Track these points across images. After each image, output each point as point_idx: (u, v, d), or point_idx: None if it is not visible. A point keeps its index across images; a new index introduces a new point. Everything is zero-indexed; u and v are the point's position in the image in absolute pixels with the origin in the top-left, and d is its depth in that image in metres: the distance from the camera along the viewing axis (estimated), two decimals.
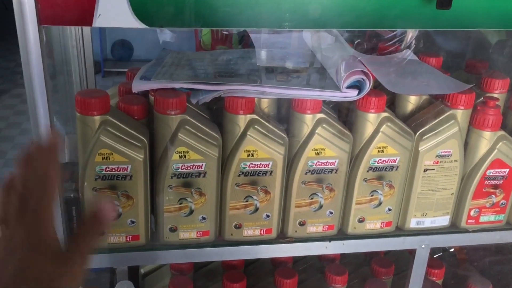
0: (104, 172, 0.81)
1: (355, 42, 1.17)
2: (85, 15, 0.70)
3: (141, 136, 0.83)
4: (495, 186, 0.98)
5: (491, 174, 0.96)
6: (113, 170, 0.82)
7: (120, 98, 0.92)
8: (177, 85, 0.85)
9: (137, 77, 0.87)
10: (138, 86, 0.85)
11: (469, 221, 1.00)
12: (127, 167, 0.82)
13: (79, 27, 1.17)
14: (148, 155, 0.84)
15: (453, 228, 1.02)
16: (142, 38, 4.46)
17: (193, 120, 0.84)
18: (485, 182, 0.97)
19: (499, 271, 1.23)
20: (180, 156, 0.84)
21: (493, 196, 0.99)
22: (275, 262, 1.21)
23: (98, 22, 0.70)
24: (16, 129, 3.65)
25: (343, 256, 1.27)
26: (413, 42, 1.09)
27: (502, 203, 1.00)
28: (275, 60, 1.01)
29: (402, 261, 1.23)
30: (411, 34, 1.09)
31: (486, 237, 1.03)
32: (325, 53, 1.00)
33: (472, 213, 1.00)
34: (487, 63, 1.11)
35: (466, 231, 1.02)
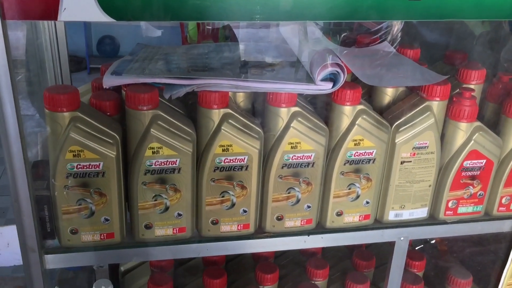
0: (75, 169, 0.80)
1: (342, 36, 1.16)
2: (50, 9, 0.68)
3: (113, 133, 0.81)
4: (472, 177, 0.98)
5: (468, 165, 0.96)
6: (85, 167, 0.80)
7: (92, 94, 0.90)
8: (148, 80, 0.83)
9: (108, 72, 0.86)
10: (109, 81, 0.83)
11: (447, 212, 1.00)
12: (99, 164, 0.81)
13: (52, 22, 1.15)
14: (121, 151, 0.82)
15: (432, 220, 1.02)
16: (128, 34, 4.41)
17: (166, 116, 0.83)
18: (462, 173, 0.97)
19: (479, 262, 1.23)
20: (153, 152, 0.82)
21: (471, 187, 0.99)
22: (256, 258, 1.21)
23: (63, 16, 0.69)
24: None
25: (324, 250, 1.26)
26: (399, 35, 1.08)
27: (479, 194, 1.00)
28: (251, 54, 1.00)
29: (383, 253, 1.23)
30: (396, 27, 1.08)
31: (465, 228, 1.03)
32: (301, 46, 0.99)
33: (450, 204, 1.00)
34: (465, 54, 1.11)
35: (444, 222, 1.02)
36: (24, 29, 1.29)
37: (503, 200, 1.03)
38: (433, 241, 1.32)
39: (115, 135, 0.81)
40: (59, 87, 0.81)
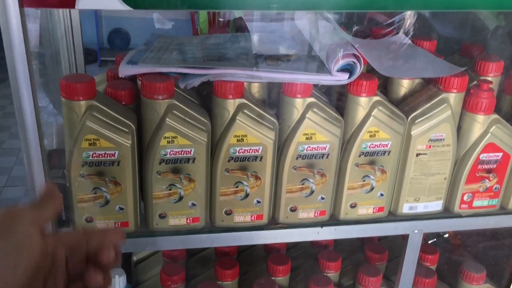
0: (91, 158, 0.80)
1: (354, 29, 1.15)
2: None
3: (128, 122, 0.82)
4: (489, 171, 0.97)
5: (484, 159, 0.95)
6: (100, 156, 0.81)
7: (108, 83, 0.90)
8: (164, 70, 0.83)
9: (124, 61, 0.86)
10: (125, 70, 0.83)
11: (462, 206, 1.00)
12: (115, 153, 0.81)
13: (67, 13, 1.15)
14: (136, 140, 0.83)
15: (446, 213, 1.01)
16: (139, 26, 4.40)
17: (181, 105, 0.83)
18: (478, 166, 0.96)
19: (493, 256, 1.22)
20: (168, 142, 0.82)
21: (487, 180, 0.98)
22: (268, 249, 1.21)
23: (81, 4, 0.69)
24: (13, 119, 3.63)
25: (336, 242, 1.26)
26: (412, 27, 1.07)
27: (495, 188, 0.99)
28: (266, 45, 0.99)
29: (396, 246, 1.23)
30: (409, 21, 1.07)
31: (479, 222, 1.02)
32: (316, 37, 0.98)
33: (465, 197, 0.99)
34: (482, 46, 1.10)
35: (459, 216, 1.01)
36: (37, 21, 1.29)
37: None
38: (446, 235, 1.31)
39: (131, 124, 0.82)
40: (75, 75, 0.82)
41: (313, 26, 1.01)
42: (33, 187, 0.79)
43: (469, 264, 1.19)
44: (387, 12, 1.10)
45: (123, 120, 0.81)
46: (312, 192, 0.92)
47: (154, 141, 0.82)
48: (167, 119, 0.81)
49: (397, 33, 1.06)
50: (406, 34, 1.06)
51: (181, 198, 0.87)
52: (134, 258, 1.20)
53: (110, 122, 0.80)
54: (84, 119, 0.78)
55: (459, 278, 1.18)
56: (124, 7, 0.70)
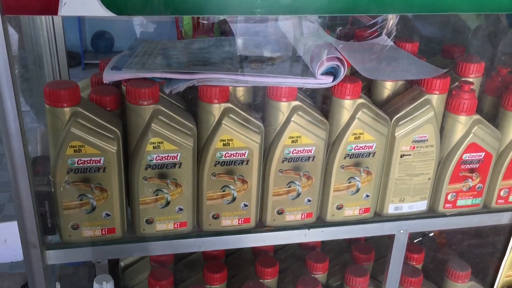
0: (76, 165, 0.80)
1: (337, 30, 1.16)
2: (50, 4, 0.68)
3: (113, 128, 0.81)
4: (471, 170, 0.98)
5: (467, 158, 0.97)
6: (86, 162, 0.80)
7: (92, 89, 0.90)
8: (149, 75, 0.83)
9: (108, 67, 0.85)
10: (109, 76, 0.83)
11: (446, 205, 1.01)
12: (100, 159, 0.81)
13: (50, 18, 1.14)
14: (121, 146, 0.82)
15: (431, 212, 1.02)
16: (123, 29, 4.38)
17: (166, 110, 0.83)
18: (462, 166, 0.97)
19: (478, 254, 1.24)
20: (154, 147, 0.82)
21: (470, 180, 0.99)
22: (256, 252, 1.21)
23: (64, 10, 0.68)
24: None
25: (324, 243, 1.27)
26: (394, 28, 1.08)
27: (478, 187, 1.01)
28: (250, 48, 1.00)
29: (383, 246, 1.24)
30: (392, 21, 1.08)
31: (463, 220, 1.04)
32: (300, 39, 0.99)
33: (449, 197, 1.00)
34: (463, 47, 1.11)
35: (443, 215, 1.02)
36: (17, 25, 1.28)
37: (502, 193, 1.03)
38: (432, 234, 1.33)
39: (116, 130, 0.81)
40: (59, 82, 0.81)
41: (297, 29, 1.02)
42: (18, 194, 0.79)
43: (454, 262, 1.20)
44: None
45: (108, 126, 0.81)
46: (298, 194, 0.93)
47: (139, 146, 0.82)
48: (152, 124, 0.81)
49: (380, 34, 1.07)
50: (389, 35, 1.07)
51: (168, 203, 0.87)
52: (122, 264, 1.19)
53: (95, 128, 0.79)
54: (69, 126, 0.77)
55: (444, 276, 1.20)
56: (108, 14, 0.69)
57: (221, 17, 1.31)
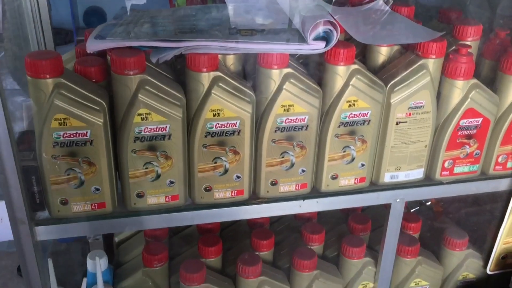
0: (62, 138, 0.77)
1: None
2: None
3: (99, 99, 0.79)
4: (469, 136, 0.96)
5: (464, 124, 0.95)
6: (72, 136, 0.78)
7: (76, 60, 0.87)
8: (134, 43, 0.80)
9: (91, 36, 0.82)
10: (92, 45, 0.80)
11: (443, 173, 0.99)
12: (86, 132, 0.78)
13: None
14: (108, 118, 0.80)
15: (428, 180, 1.01)
16: (115, 4, 4.30)
17: (154, 80, 0.80)
18: (459, 132, 0.95)
19: (475, 222, 1.23)
20: (142, 119, 0.80)
21: (467, 146, 0.97)
22: (251, 224, 1.20)
23: None
24: None
25: (320, 214, 1.26)
26: None
27: (476, 153, 0.99)
28: (241, 15, 0.96)
29: (379, 216, 1.23)
30: None
31: (461, 188, 1.02)
32: (292, 5, 0.95)
33: (446, 164, 0.98)
34: (460, 12, 1.08)
35: (440, 183, 1.01)
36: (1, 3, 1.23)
37: (500, 159, 1.02)
38: (429, 203, 1.32)
39: (102, 101, 0.79)
40: (40, 52, 0.78)
41: None
42: (3, 170, 0.77)
43: (452, 230, 1.20)
44: None
45: (93, 97, 0.78)
46: (292, 165, 0.91)
47: (127, 118, 0.80)
48: (139, 95, 0.78)
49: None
50: (386, 2, 1.03)
51: (158, 176, 0.85)
52: (116, 239, 1.18)
53: (80, 100, 0.77)
54: (52, 98, 0.75)
55: (442, 245, 1.19)
56: None
57: None
